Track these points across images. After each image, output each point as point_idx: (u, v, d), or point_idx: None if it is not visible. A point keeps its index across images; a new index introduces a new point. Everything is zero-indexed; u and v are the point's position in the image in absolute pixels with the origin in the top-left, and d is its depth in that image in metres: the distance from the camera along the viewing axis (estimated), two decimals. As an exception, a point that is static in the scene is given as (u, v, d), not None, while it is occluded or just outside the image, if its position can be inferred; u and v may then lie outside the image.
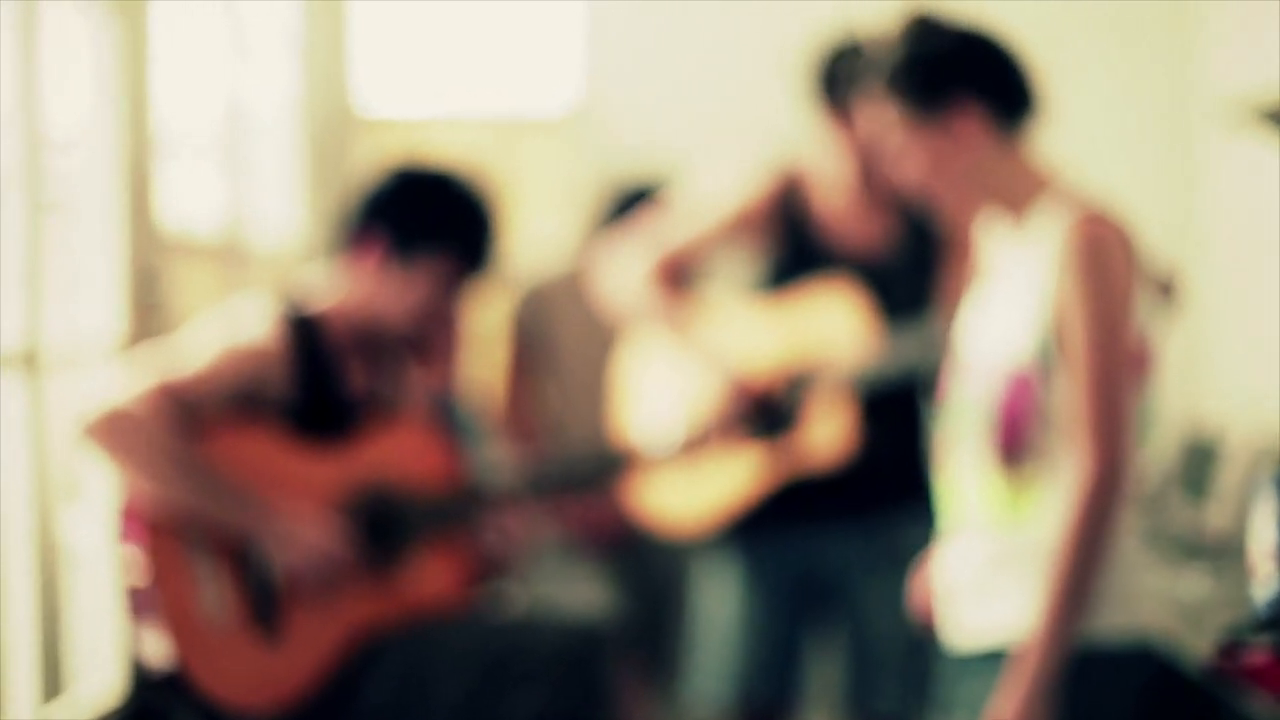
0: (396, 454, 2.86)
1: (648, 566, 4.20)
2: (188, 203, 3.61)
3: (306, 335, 2.83)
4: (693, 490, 3.28)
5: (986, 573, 2.35)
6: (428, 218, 2.87)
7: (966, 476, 2.38)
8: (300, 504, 2.74)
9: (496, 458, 3.84)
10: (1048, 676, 2.23)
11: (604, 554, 4.19)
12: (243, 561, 2.71)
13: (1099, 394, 2.24)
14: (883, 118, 2.40)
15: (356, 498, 2.82)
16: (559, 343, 4.21)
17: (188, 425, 2.68)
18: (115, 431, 2.62)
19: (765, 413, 3.18)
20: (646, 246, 3.27)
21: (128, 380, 2.69)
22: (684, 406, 3.26)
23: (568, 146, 4.96)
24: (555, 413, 4.23)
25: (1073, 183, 2.37)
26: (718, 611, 3.31)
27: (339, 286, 2.89)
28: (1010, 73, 2.39)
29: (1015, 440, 2.30)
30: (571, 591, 4.12)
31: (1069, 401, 2.27)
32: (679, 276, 3.28)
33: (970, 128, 2.36)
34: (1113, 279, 2.25)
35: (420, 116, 5.10)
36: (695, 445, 3.14)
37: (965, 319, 2.49)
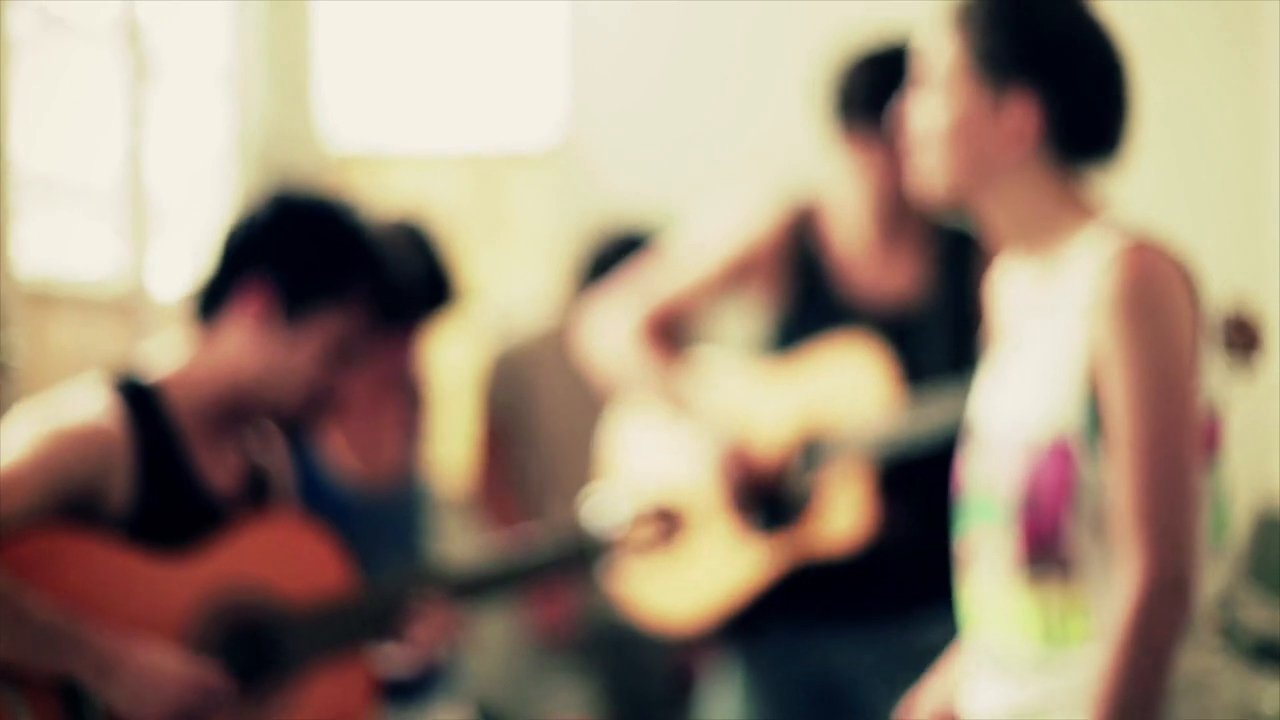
0: (266, 557, 2.36)
1: (633, 670, 3.88)
2: (73, 252, 3.33)
3: (148, 411, 2.33)
4: (685, 579, 2.97)
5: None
6: (325, 260, 2.37)
7: (988, 587, 1.98)
8: (147, 633, 2.25)
9: (468, 543, 3.49)
10: None
11: (580, 656, 3.86)
12: (70, 705, 2.20)
13: (1154, 478, 1.84)
14: (937, 48, 2.02)
15: (218, 615, 2.32)
16: (540, 411, 3.89)
17: None
18: None
19: (769, 490, 2.89)
20: (635, 297, 2.98)
21: None
22: (667, 482, 2.95)
23: (551, 184, 4.75)
24: (535, 492, 3.90)
25: (1123, 216, 1.98)
26: None
27: (193, 347, 2.39)
28: (1095, 103, 1.99)
29: (1044, 538, 1.90)
30: (542, 702, 3.81)
31: (1114, 488, 1.86)
32: (673, 332, 3.01)
33: (1018, 125, 1.97)
34: (1170, 324, 1.87)
35: (392, 152, 4.87)
36: (652, 523, 2.74)
37: (982, 384, 2.11)
